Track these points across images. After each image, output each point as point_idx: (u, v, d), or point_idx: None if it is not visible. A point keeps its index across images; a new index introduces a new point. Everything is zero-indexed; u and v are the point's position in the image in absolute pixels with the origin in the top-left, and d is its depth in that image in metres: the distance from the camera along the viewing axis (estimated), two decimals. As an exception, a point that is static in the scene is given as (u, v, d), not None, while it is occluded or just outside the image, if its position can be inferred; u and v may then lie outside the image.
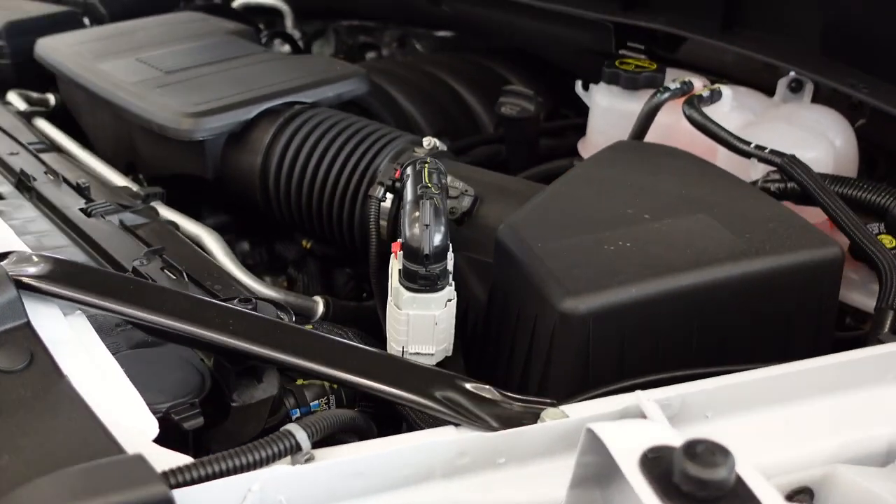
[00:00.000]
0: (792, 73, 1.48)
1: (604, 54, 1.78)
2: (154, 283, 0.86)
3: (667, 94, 1.39)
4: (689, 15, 1.60)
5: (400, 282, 0.97)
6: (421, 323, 0.98)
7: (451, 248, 1.01)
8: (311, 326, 1.08)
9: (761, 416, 0.80)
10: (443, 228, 0.97)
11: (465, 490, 0.72)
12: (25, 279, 0.83)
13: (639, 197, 1.11)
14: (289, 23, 2.73)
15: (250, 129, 1.48)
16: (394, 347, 1.01)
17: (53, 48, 1.85)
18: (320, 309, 1.34)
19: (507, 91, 1.67)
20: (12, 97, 1.97)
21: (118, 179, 1.56)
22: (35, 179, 1.39)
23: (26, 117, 1.84)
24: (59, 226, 1.25)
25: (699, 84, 1.45)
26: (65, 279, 0.84)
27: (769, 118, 1.45)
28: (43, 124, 1.82)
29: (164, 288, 0.86)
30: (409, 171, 1.05)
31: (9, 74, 2.12)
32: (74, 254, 1.16)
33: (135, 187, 1.51)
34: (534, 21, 1.89)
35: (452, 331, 1.02)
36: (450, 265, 1.00)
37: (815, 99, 1.49)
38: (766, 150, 1.25)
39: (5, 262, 0.87)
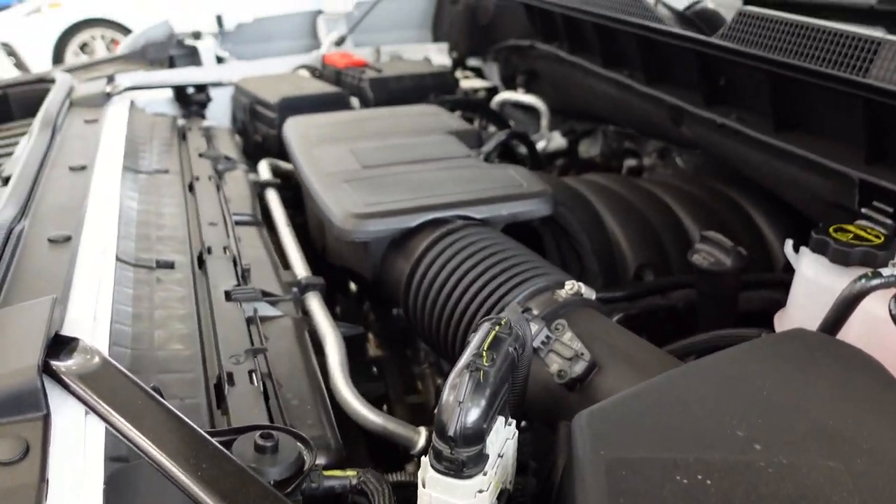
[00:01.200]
0: None
1: (846, 209, 1.50)
2: (166, 406, 0.85)
3: (875, 281, 1.11)
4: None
5: (428, 455, 0.86)
6: (444, 509, 0.86)
7: (496, 430, 0.88)
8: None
9: None
10: (482, 408, 0.84)
11: None
12: (59, 372, 0.87)
13: (767, 415, 0.88)
14: (544, 122, 2.72)
15: (410, 237, 1.46)
16: (419, 527, 0.90)
17: (294, 127, 2.00)
18: (421, 441, 1.25)
19: (704, 237, 1.46)
20: (262, 165, 2.18)
21: (298, 262, 1.63)
22: (211, 253, 1.49)
23: (260, 187, 2.02)
24: (198, 304, 1.32)
25: (933, 274, 1.14)
26: (92, 379, 0.86)
27: None
28: (271, 196, 1.98)
29: (170, 413, 0.84)
30: (482, 327, 0.93)
31: (275, 144, 2.35)
32: (189, 337, 1.21)
33: (302, 274, 1.56)
34: (771, 158, 1.65)
35: (487, 527, 0.88)
36: (492, 450, 0.87)
37: None
38: None
39: (64, 352, 0.91)
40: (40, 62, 8.30)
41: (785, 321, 1.34)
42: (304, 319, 1.38)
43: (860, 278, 1.12)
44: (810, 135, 1.57)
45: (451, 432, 0.82)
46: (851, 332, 1.19)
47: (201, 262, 1.48)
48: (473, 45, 3.21)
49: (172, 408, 0.85)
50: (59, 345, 0.94)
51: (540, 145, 2.68)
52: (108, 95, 2.13)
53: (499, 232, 1.48)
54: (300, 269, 1.60)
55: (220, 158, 2.03)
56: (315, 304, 1.45)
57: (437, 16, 3.38)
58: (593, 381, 1.10)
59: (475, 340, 0.91)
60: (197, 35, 2.81)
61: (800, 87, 1.51)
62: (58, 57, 8.39)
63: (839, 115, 1.48)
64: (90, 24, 8.37)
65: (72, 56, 8.42)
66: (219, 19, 2.91)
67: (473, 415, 0.83)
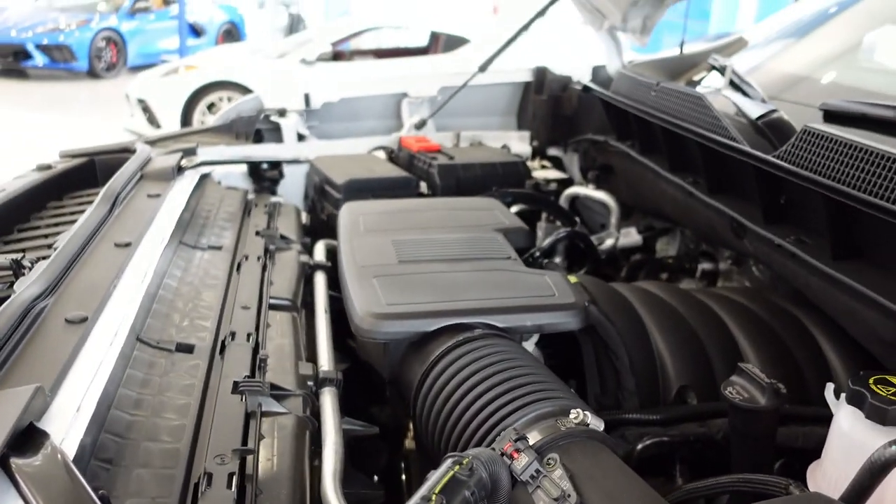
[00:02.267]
0: None
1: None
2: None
3: (907, 452, 0.99)
4: None
5: None
6: None
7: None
8: None
9: None
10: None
11: None
12: (14, 469, 0.88)
13: None
14: (613, 220, 2.65)
15: (427, 341, 1.43)
16: None
17: (347, 213, 2.02)
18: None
19: (740, 369, 1.36)
20: (319, 246, 2.20)
21: (324, 354, 1.62)
22: (234, 339, 1.50)
23: (310, 269, 2.04)
24: (204, 394, 1.32)
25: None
26: (42, 482, 0.86)
27: None
28: (318, 279, 1.99)
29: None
30: (443, 465, 0.88)
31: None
32: (182, 430, 1.21)
33: (324, 367, 1.55)
34: (829, 286, 1.53)
35: None
36: None
37: None
38: None
39: (30, 447, 0.92)
40: (171, 119, 8.91)
41: (818, 475, 1.21)
42: (308, 419, 1.35)
43: (891, 444, 1.01)
44: (871, 266, 1.45)
45: (381, 584, 0.77)
46: (887, 502, 1.06)
47: (223, 348, 1.49)
48: (555, 135, 3.19)
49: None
50: (30, 437, 0.95)
51: (608, 243, 2.61)
52: (181, 169, 2.22)
53: (517, 344, 1.43)
54: (324, 361, 1.58)
55: (275, 238, 2.06)
56: (327, 401, 1.43)
57: (521, 104, 3.39)
58: (578, 525, 1.02)
59: (430, 480, 0.86)
60: (282, 112, 2.92)
61: (859, 215, 1.41)
62: (186, 115, 8.97)
63: (900, 250, 1.36)
64: (219, 85, 8.92)
65: (199, 115, 8.98)
66: (306, 98, 3.02)
67: (410, 567, 0.78)
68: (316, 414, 1.42)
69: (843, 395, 1.20)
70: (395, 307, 1.46)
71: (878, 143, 1.38)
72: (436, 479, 0.86)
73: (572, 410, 1.17)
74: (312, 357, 1.63)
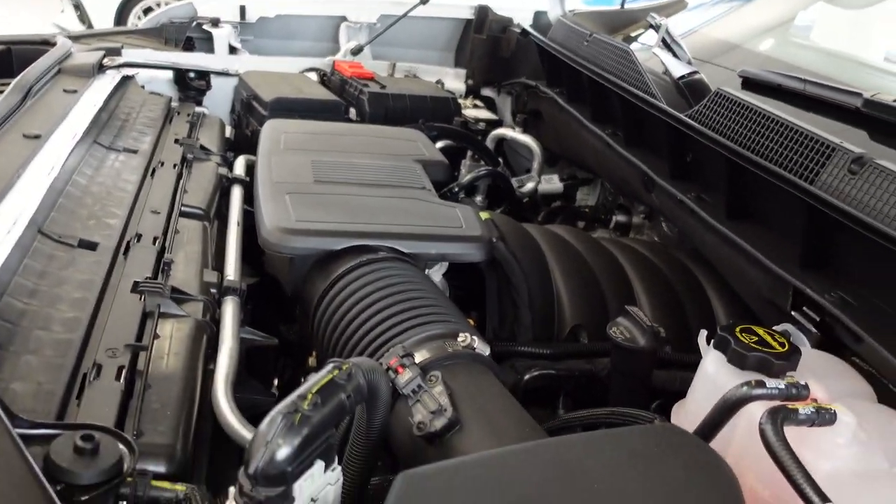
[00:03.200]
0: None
1: (780, 309, 1.47)
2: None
3: (756, 391, 1.07)
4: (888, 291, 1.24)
5: (234, 489, 0.85)
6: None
7: (312, 474, 0.86)
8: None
9: None
10: (291, 449, 0.82)
11: None
12: None
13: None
14: (535, 165, 2.70)
15: (331, 260, 1.46)
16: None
17: (269, 129, 2.01)
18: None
19: (626, 311, 1.44)
20: (239, 160, 2.18)
21: (231, 265, 1.63)
22: (139, 241, 1.50)
23: (228, 182, 2.03)
24: (103, 291, 1.32)
25: (823, 395, 1.11)
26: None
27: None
28: (235, 193, 1.98)
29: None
30: (324, 368, 0.92)
31: (263, 141, 2.36)
32: (74, 322, 1.21)
33: (229, 277, 1.56)
34: (722, 244, 1.62)
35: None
36: (302, 493, 0.85)
37: None
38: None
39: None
40: (104, 19, 8.49)
41: (681, 413, 1.30)
42: (207, 323, 1.37)
43: (742, 385, 1.09)
44: (759, 226, 1.54)
45: (251, 469, 0.81)
46: (736, 438, 1.16)
47: (127, 249, 1.48)
48: (490, 76, 3.21)
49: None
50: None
51: (528, 186, 2.67)
52: (102, 68, 2.16)
53: (417, 270, 1.47)
54: (230, 271, 1.60)
55: (194, 147, 2.04)
56: (228, 309, 1.45)
57: (461, 41, 3.39)
58: (452, 439, 1.08)
59: (309, 381, 0.90)
60: (215, 22, 2.85)
61: (753, 177, 1.48)
62: (120, 17, 8.57)
63: (785, 213, 1.45)
64: (158, -12, 8.53)
65: (133, 19, 8.59)
66: (242, 10, 2.94)
67: (279, 455, 0.82)
68: (218, 322, 1.44)
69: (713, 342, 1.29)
70: (303, 224, 1.48)
71: (776, 110, 1.45)
72: (315, 380, 0.90)
73: (460, 334, 1.23)
74: (220, 267, 1.64)
